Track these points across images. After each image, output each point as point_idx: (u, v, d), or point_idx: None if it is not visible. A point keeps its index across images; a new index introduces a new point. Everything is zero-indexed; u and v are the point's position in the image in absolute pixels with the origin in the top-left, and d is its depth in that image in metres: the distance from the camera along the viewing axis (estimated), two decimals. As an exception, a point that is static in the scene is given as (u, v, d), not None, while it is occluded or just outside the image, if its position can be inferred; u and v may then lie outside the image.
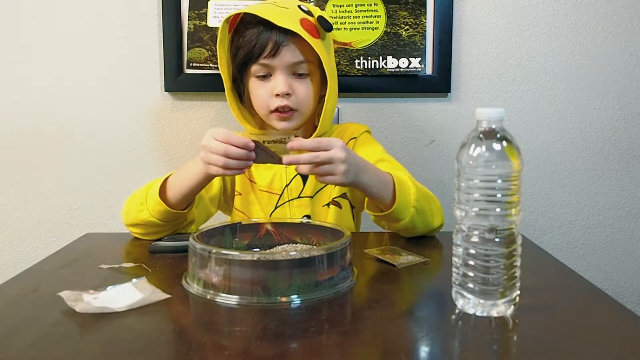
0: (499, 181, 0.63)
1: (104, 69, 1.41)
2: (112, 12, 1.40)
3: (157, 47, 1.40)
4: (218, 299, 0.70)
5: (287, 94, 1.03)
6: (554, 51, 1.42)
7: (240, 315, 0.67)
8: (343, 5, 1.37)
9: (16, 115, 1.43)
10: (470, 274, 0.65)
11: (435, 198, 1.02)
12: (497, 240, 0.64)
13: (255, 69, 1.05)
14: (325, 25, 1.04)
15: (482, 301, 0.64)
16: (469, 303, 0.65)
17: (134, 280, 0.74)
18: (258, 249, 0.88)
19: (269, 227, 0.90)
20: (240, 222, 0.89)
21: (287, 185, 1.10)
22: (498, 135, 0.63)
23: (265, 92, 1.05)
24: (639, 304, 1.52)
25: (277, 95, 1.03)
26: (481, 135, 0.64)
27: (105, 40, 1.41)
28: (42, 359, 0.56)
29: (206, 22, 1.37)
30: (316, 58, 1.05)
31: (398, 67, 1.38)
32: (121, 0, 1.39)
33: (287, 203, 1.11)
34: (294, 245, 0.88)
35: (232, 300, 0.69)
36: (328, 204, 1.11)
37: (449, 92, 1.42)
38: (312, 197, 1.11)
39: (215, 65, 1.38)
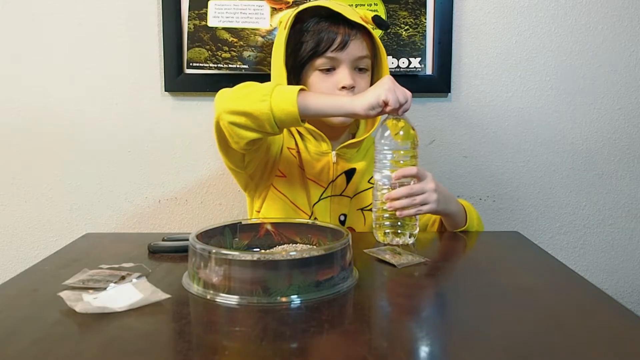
0: (402, 152, 0.95)
1: (104, 68, 1.41)
2: (112, 12, 1.40)
3: (157, 47, 1.40)
4: (218, 299, 0.70)
5: (353, 87, 1.05)
6: (554, 51, 1.42)
7: (240, 315, 0.67)
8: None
9: (16, 115, 1.43)
10: (386, 215, 0.96)
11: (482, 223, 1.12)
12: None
13: (320, 62, 1.06)
14: (384, 24, 1.09)
15: (396, 234, 0.96)
16: (391, 236, 0.96)
17: (134, 280, 0.74)
18: (258, 249, 0.88)
19: (269, 227, 0.90)
20: (240, 222, 0.89)
21: (332, 181, 1.11)
22: (401, 122, 0.95)
23: (329, 85, 1.06)
24: (639, 304, 1.52)
25: (343, 87, 1.05)
26: (390, 121, 0.95)
27: (105, 40, 1.41)
28: (42, 359, 0.56)
29: (206, 22, 1.37)
30: (371, 55, 1.10)
31: (398, 67, 1.38)
32: (121, 0, 1.39)
33: (329, 198, 1.11)
34: (294, 245, 0.88)
35: (232, 300, 0.69)
36: (362, 210, 1.13)
37: (449, 92, 1.42)
38: (351, 197, 1.13)
39: (215, 65, 1.38)
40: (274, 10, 1.37)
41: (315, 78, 1.08)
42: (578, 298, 0.73)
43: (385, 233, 0.96)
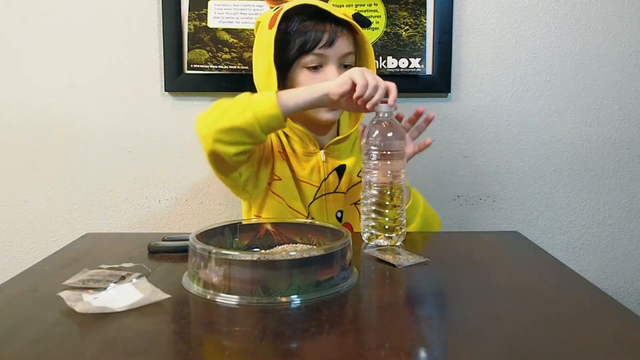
0: (389, 152, 0.94)
1: (104, 69, 1.42)
2: (112, 12, 1.40)
3: (157, 47, 1.40)
4: (218, 299, 0.70)
5: None
6: (554, 51, 1.42)
7: (240, 315, 0.67)
8: (343, 5, 1.37)
9: (16, 115, 1.43)
10: (373, 216, 0.95)
11: (437, 217, 1.16)
12: (388, 193, 0.94)
13: (307, 60, 1.06)
14: (365, 22, 1.09)
15: (385, 235, 0.94)
16: (375, 237, 0.95)
17: (134, 280, 0.74)
18: (258, 249, 0.88)
19: (268, 227, 0.90)
20: (240, 222, 0.89)
21: (324, 180, 1.11)
22: (389, 123, 0.95)
23: (318, 83, 1.05)
24: (639, 304, 1.52)
25: None
26: (378, 123, 0.95)
27: (105, 40, 1.41)
28: (42, 359, 0.56)
29: (206, 22, 1.37)
30: (354, 52, 1.11)
31: (398, 67, 1.38)
32: (121, 1, 1.39)
33: (324, 196, 1.12)
34: (294, 245, 0.88)
35: (232, 300, 0.69)
36: (355, 204, 1.13)
37: (449, 92, 1.42)
38: (345, 193, 1.13)
39: (216, 67, 1.38)
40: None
41: (303, 77, 1.08)
42: (578, 298, 0.73)
43: (372, 234, 0.96)
